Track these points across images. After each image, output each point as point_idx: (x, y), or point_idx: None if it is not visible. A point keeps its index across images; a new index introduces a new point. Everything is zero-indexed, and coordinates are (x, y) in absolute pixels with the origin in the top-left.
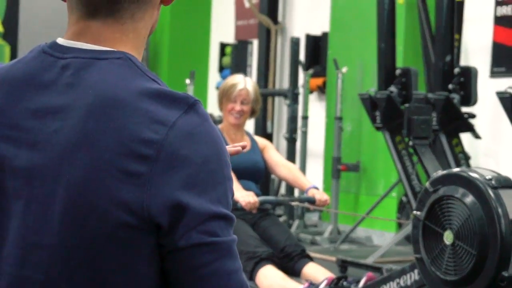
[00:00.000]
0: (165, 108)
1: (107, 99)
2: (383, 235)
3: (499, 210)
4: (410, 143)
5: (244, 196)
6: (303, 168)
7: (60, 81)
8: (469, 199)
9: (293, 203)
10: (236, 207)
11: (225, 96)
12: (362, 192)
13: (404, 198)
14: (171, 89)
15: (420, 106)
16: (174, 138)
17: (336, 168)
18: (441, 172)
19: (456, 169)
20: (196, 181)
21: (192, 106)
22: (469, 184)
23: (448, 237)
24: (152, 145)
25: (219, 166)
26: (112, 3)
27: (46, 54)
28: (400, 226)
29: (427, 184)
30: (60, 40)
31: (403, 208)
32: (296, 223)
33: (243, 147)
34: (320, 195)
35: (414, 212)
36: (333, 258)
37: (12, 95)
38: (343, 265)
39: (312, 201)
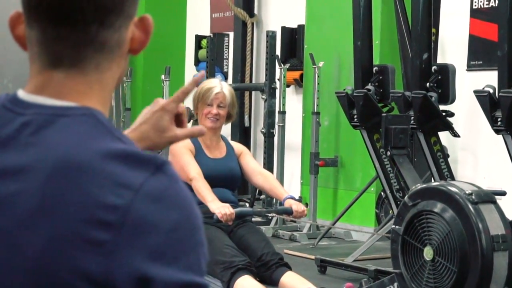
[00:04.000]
0: (130, 170)
1: (68, 161)
2: (362, 230)
3: (480, 225)
4: (388, 153)
5: (220, 207)
6: (281, 163)
7: (19, 139)
8: (449, 214)
9: (270, 214)
10: (212, 219)
11: (201, 100)
12: (340, 187)
13: (383, 193)
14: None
15: (398, 116)
16: (140, 203)
17: (314, 163)
18: (420, 186)
19: (435, 183)
20: (164, 250)
21: (160, 167)
22: (449, 199)
23: (428, 253)
24: (116, 211)
25: (190, 232)
26: (76, 52)
27: (6, 109)
28: (379, 221)
29: (406, 198)
30: (21, 94)
31: (382, 203)
32: (274, 219)
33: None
34: (297, 206)
35: (393, 226)
36: (312, 257)
37: None
38: (322, 265)
39: (289, 212)
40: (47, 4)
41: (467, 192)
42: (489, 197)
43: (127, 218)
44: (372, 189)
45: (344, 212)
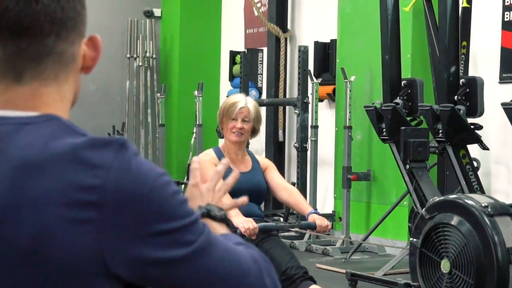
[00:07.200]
0: (99, 152)
1: (40, 157)
2: (395, 244)
3: (496, 238)
4: (407, 166)
5: (243, 222)
6: (314, 178)
7: None
8: (465, 227)
9: (294, 229)
10: (235, 233)
11: (226, 115)
12: (373, 201)
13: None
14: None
15: (417, 129)
16: (115, 179)
17: (347, 177)
18: (437, 198)
19: (452, 196)
20: (152, 211)
21: (123, 145)
22: (465, 212)
23: (445, 266)
24: (95, 190)
25: (165, 187)
26: (36, 64)
27: None
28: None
29: (423, 210)
30: None
31: (414, 216)
32: (307, 233)
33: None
34: (321, 221)
35: (411, 239)
36: (344, 271)
37: None
38: (353, 279)
39: (312, 227)
40: (7, 19)
41: (483, 204)
42: (505, 210)
43: (107, 195)
44: (405, 202)
45: (376, 227)
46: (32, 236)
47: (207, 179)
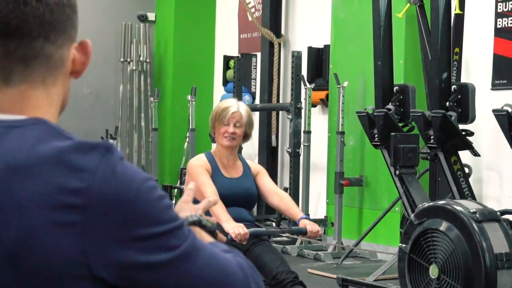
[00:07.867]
0: (85, 155)
1: (27, 160)
2: (387, 250)
3: (484, 244)
4: (397, 172)
5: (234, 227)
6: (306, 183)
7: None
8: (454, 232)
9: (284, 235)
10: (226, 237)
11: (218, 119)
12: (365, 206)
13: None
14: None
15: (407, 135)
16: (101, 183)
17: (339, 183)
18: (426, 204)
19: (441, 201)
20: (137, 215)
21: (109, 149)
22: (454, 217)
23: (433, 271)
24: (80, 194)
25: (150, 193)
26: (25, 66)
27: None
28: None
29: (412, 216)
30: None
31: (406, 222)
32: (299, 238)
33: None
34: (312, 226)
35: (400, 244)
36: (335, 276)
37: None
38: (344, 284)
39: (303, 232)
40: None
41: (471, 210)
42: (493, 216)
43: (92, 198)
44: (397, 208)
45: (368, 232)
46: (16, 239)
47: (198, 183)
